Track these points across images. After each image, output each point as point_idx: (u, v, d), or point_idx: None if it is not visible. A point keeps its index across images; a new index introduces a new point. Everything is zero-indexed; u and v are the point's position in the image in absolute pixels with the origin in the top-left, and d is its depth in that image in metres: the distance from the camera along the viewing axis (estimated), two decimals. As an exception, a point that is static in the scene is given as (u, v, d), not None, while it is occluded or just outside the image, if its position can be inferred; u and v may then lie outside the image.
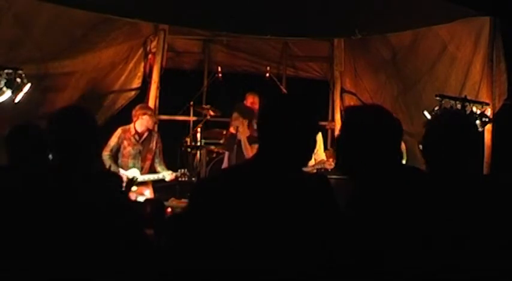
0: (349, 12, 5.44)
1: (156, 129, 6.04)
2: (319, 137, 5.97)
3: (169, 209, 6.07)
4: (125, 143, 5.74)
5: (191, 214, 1.91)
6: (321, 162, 5.84)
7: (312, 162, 5.82)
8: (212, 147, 7.56)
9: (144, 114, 5.74)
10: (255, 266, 1.74)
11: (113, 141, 5.73)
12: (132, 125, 5.80)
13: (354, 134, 2.00)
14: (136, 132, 5.77)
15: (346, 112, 2.07)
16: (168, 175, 5.83)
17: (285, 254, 1.76)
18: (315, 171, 5.68)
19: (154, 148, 5.86)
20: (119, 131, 5.80)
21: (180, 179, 5.89)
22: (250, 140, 5.37)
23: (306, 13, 5.46)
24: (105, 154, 5.67)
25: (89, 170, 2.12)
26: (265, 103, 2.13)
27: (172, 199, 6.49)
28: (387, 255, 1.83)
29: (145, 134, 5.82)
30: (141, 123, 5.75)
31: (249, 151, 5.32)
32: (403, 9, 5.33)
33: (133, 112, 5.83)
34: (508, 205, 1.97)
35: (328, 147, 7.46)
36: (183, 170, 5.95)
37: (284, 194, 1.82)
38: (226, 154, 6.11)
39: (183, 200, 5.94)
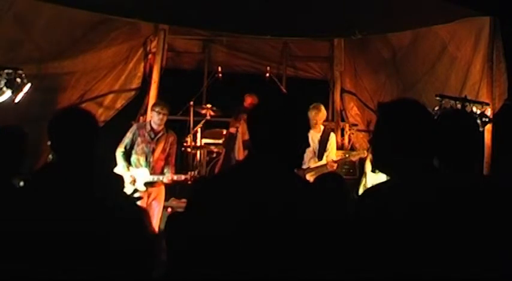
0: (349, 12, 5.44)
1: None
2: (333, 138, 6.04)
3: (169, 210, 6.09)
4: (139, 140, 5.54)
5: (186, 215, 1.97)
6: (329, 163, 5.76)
7: (323, 162, 5.84)
8: (212, 147, 7.57)
9: (152, 110, 5.62)
10: (243, 268, 1.75)
11: (128, 137, 5.57)
12: (148, 122, 5.68)
13: (390, 130, 1.95)
14: (152, 129, 5.58)
15: (380, 109, 2.03)
16: (165, 177, 5.53)
17: (272, 254, 1.76)
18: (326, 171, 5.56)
19: (168, 148, 5.62)
20: (134, 126, 5.67)
21: (189, 181, 5.68)
22: (245, 145, 5.41)
23: (306, 13, 5.46)
24: (119, 151, 5.51)
25: (89, 171, 2.11)
26: (255, 104, 2.17)
27: (173, 199, 6.50)
28: (391, 256, 1.81)
29: (161, 133, 5.59)
30: (152, 119, 5.61)
31: (241, 152, 5.36)
32: (403, 9, 5.33)
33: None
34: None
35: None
36: (192, 173, 5.77)
37: (269, 195, 1.82)
38: (223, 153, 6.14)
39: (183, 200, 5.92)
